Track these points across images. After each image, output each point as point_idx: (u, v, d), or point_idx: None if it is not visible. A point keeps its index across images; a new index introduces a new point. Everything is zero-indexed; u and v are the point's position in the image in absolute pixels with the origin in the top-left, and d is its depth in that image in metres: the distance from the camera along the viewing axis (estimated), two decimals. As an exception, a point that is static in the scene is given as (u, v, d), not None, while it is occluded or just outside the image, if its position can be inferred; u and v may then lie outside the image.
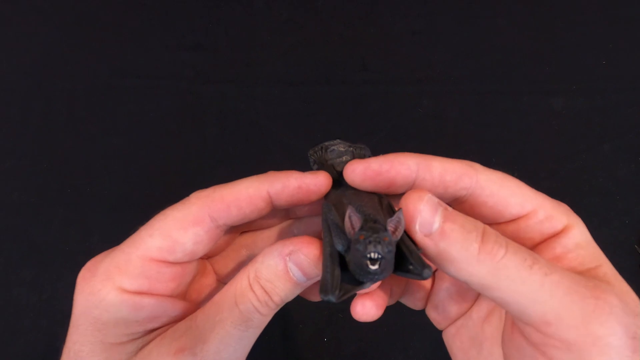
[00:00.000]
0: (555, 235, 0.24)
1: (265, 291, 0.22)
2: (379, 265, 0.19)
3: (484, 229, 0.21)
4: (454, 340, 0.27)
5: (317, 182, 0.24)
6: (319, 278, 0.22)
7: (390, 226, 0.20)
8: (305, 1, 0.62)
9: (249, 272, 0.23)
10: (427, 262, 0.20)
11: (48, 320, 0.48)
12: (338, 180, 0.25)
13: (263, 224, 0.28)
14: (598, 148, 0.54)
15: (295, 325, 0.48)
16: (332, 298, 0.20)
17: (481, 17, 0.61)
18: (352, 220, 0.20)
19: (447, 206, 0.22)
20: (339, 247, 0.21)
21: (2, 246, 0.51)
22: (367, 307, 0.23)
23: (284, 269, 0.22)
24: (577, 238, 0.23)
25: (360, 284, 0.21)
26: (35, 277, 0.50)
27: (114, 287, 0.23)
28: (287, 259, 0.22)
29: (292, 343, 0.48)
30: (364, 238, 0.20)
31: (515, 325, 0.22)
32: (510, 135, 0.55)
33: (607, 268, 0.23)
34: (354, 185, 0.24)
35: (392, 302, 0.27)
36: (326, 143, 0.27)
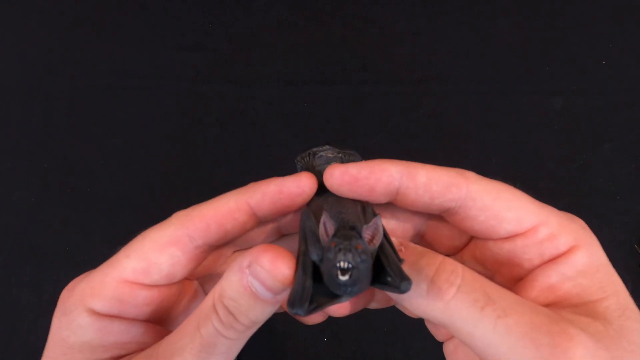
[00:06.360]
0: (556, 258, 0.21)
1: (230, 311, 0.20)
2: (350, 276, 0.18)
3: (440, 263, 0.19)
4: (452, 357, 0.25)
5: (299, 184, 0.22)
6: (285, 293, 0.19)
7: (366, 233, 0.19)
8: (305, 1, 0.62)
9: (215, 291, 0.20)
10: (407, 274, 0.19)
11: (48, 320, 0.48)
12: (324, 188, 0.24)
13: (255, 241, 0.26)
14: (598, 148, 0.54)
15: (296, 324, 0.48)
16: (300, 311, 0.18)
17: (481, 17, 0.61)
18: (326, 226, 0.19)
19: (407, 243, 0.20)
20: (314, 256, 0.19)
21: (2, 246, 0.51)
22: (341, 305, 0.22)
23: (246, 285, 0.19)
24: (581, 263, 0.21)
25: (336, 297, 0.19)
26: (35, 277, 0.50)
27: (84, 309, 0.22)
28: (247, 272, 0.19)
29: (292, 343, 0.48)
30: (335, 245, 0.18)
31: None
32: (510, 135, 0.55)
33: (612, 301, 0.20)
34: (332, 191, 0.23)
35: (385, 305, 0.26)
36: (314, 149, 0.26)
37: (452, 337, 0.25)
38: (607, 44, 0.59)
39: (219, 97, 0.57)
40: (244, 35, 0.60)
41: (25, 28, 0.61)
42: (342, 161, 0.25)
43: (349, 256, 0.17)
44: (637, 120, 0.55)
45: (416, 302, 0.19)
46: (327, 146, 0.26)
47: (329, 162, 0.25)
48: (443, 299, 0.19)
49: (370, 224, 0.19)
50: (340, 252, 0.18)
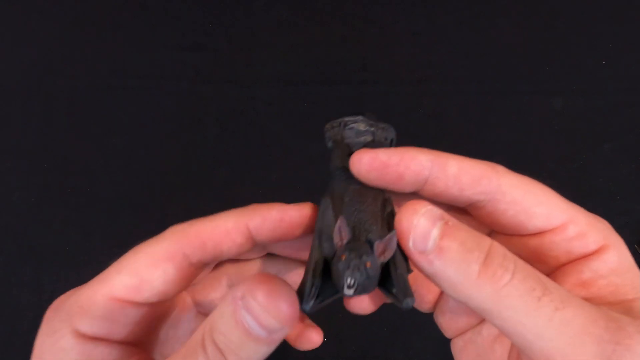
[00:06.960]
0: (586, 256, 0.21)
1: (219, 348, 0.18)
2: (355, 290, 0.18)
3: (489, 247, 0.18)
4: (460, 354, 0.25)
5: (301, 214, 0.22)
6: (283, 332, 0.18)
7: (378, 247, 0.19)
8: (305, 1, 0.62)
9: (206, 323, 0.18)
10: (415, 289, 0.19)
11: (48, 320, 0.48)
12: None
13: (246, 255, 0.26)
14: (598, 148, 0.54)
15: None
16: (305, 307, 0.19)
17: (481, 17, 0.61)
18: (341, 232, 0.19)
19: (451, 219, 0.19)
20: (326, 252, 0.20)
21: (2, 246, 0.51)
22: (362, 301, 0.21)
23: (239, 319, 0.17)
24: (612, 262, 0.20)
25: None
26: (35, 277, 0.50)
27: (70, 330, 0.20)
28: (240, 304, 0.17)
29: (292, 343, 0.48)
30: (345, 259, 0.18)
31: (521, 356, 0.20)
32: (510, 135, 0.55)
33: None
34: (358, 177, 0.22)
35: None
36: (347, 118, 0.24)
37: (461, 333, 0.25)
38: (607, 44, 0.59)
39: (219, 97, 0.57)
40: (244, 35, 0.60)
41: (25, 28, 0.61)
42: (374, 135, 0.24)
43: (357, 275, 0.18)
44: (637, 120, 0.55)
45: (461, 285, 0.18)
46: (361, 116, 0.24)
47: (359, 135, 0.24)
48: (496, 284, 0.17)
49: (385, 239, 0.19)
50: (349, 269, 0.18)
